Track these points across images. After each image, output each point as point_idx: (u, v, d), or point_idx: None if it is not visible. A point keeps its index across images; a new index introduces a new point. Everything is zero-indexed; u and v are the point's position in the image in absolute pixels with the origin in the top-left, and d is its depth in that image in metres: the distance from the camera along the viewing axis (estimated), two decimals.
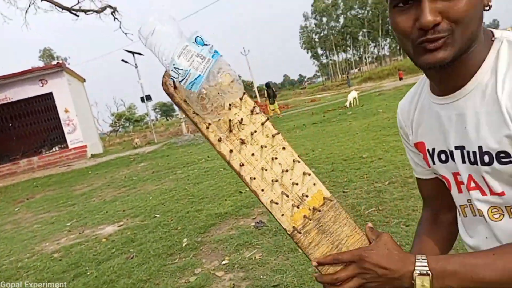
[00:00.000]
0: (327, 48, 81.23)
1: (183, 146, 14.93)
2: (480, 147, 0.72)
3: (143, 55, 21.93)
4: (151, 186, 8.07)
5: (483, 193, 0.77)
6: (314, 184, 0.77)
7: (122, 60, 20.46)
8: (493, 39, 0.73)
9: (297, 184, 0.76)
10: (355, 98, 15.49)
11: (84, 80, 23.76)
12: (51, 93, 18.41)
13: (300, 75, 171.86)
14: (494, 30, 0.75)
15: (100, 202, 7.54)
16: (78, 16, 20.57)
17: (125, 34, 21.36)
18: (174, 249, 4.07)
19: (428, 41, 0.66)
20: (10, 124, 19.94)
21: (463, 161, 0.77)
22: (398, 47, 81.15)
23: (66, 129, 18.63)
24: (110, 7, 20.81)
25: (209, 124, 0.73)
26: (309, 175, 0.76)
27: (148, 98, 20.93)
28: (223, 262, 3.54)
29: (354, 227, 0.78)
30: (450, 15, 0.64)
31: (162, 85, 0.74)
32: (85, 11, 20.03)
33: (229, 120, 0.74)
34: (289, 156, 0.76)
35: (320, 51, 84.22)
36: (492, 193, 0.75)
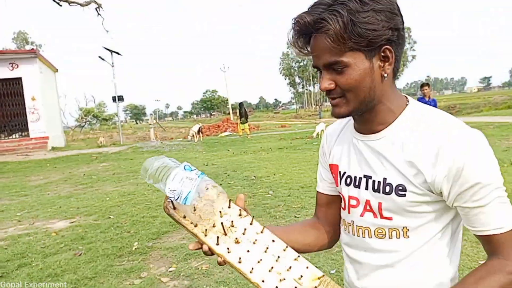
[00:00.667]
0: (305, 78, 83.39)
1: (149, 152, 14.85)
2: (384, 179, 0.89)
3: (121, 55, 21.83)
4: (110, 187, 8.03)
5: (375, 216, 0.93)
6: (307, 267, 0.86)
7: (99, 57, 20.25)
8: (407, 103, 0.93)
9: (291, 267, 0.84)
10: (323, 130, 16.02)
11: (57, 70, 23.25)
12: (20, 78, 17.91)
13: (275, 99, 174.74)
14: (409, 97, 0.95)
15: (54, 196, 7.41)
16: (61, 6, 20.31)
17: (106, 31, 21.27)
18: (123, 251, 4.14)
19: (329, 98, 0.90)
20: None
21: (366, 187, 0.93)
22: None
23: (30, 118, 18.08)
24: (96, 2, 20.70)
25: (206, 230, 0.85)
26: (299, 257, 0.87)
27: (120, 98, 20.71)
28: (170, 269, 3.66)
29: None
30: (339, 84, 0.86)
31: (164, 208, 0.90)
32: (69, 2, 19.79)
33: (222, 224, 0.85)
34: (279, 246, 0.86)
35: (297, 80, 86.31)
36: (382, 217, 0.91)
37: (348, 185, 0.99)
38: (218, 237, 0.84)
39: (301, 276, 0.83)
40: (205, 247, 0.88)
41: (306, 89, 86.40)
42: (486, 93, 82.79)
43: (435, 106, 7.74)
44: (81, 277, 3.55)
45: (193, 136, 19.00)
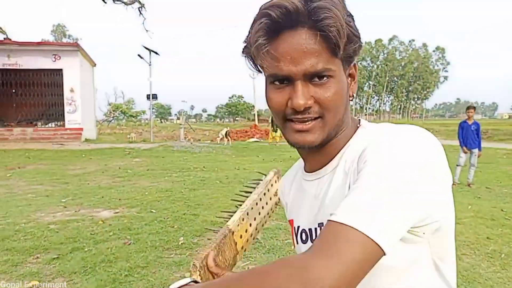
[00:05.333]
0: None
1: (179, 151, 15.12)
2: (320, 224, 0.72)
3: (159, 54, 22.36)
4: (146, 183, 8.24)
5: None
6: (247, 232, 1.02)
7: (138, 55, 20.82)
8: (358, 125, 0.76)
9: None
10: None
11: (95, 64, 24.01)
12: (61, 70, 18.60)
13: None
14: (362, 119, 0.78)
15: (95, 187, 7.68)
16: (106, 2, 21.05)
17: (146, 31, 21.89)
18: (170, 245, 4.28)
19: (297, 120, 0.67)
20: (14, 91, 20.01)
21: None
22: (398, 106, 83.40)
23: (67, 108, 18.72)
24: (139, 2, 21.37)
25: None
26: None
27: (154, 97, 21.23)
28: None
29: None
30: (320, 101, 0.65)
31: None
32: (114, 0, 20.50)
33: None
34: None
35: None
36: None
37: (304, 242, 0.78)
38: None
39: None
40: None
41: None
42: None
43: (478, 129, 7.64)
44: (133, 265, 3.69)
45: (221, 139, 19.24)
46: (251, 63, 0.71)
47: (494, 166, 10.56)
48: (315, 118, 0.67)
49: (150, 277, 3.47)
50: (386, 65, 76.87)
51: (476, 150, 7.67)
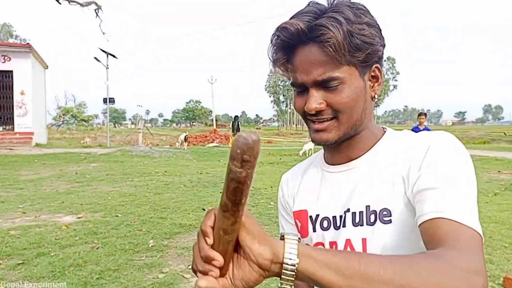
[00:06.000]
0: (289, 96, 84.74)
1: (139, 156, 14.82)
2: (367, 207, 0.75)
3: (116, 58, 21.82)
4: (107, 187, 8.06)
5: None
6: None
7: (95, 58, 20.18)
8: (385, 130, 0.85)
9: None
10: (311, 149, 16.39)
11: (47, 66, 22.99)
12: (11, 72, 17.66)
13: (257, 115, 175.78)
14: (387, 128, 0.86)
15: (53, 192, 7.40)
16: (60, 3, 20.26)
17: (103, 33, 21.30)
18: (140, 248, 4.26)
19: (314, 120, 0.77)
20: None
21: (344, 225, 0.78)
22: None
23: (16, 112, 17.78)
24: (96, 4, 20.77)
25: None
26: None
27: (112, 100, 20.64)
28: (190, 267, 3.79)
29: None
30: (332, 105, 0.74)
31: None
32: (70, 1, 19.78)
33: None
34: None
35: (282, 98, 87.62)
36: None
37: (326, 229, 0.82)
38: None
39: None
40: None
41: (290, 108, 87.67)
42: (461, 127, 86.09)
43: None
44: (104, 268, 3.65)
45: (181, 143, 19.06)
46: (281, 70, 0.81)
47: None
48: (331, 119, 0.75)
49: (122, 279, 3.46)
50: None
51: None
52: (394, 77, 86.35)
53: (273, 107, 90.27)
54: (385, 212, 0.73)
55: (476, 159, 13.88)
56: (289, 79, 0.80)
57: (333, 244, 0.80)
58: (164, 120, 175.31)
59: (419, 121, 8.19)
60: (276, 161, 14.05)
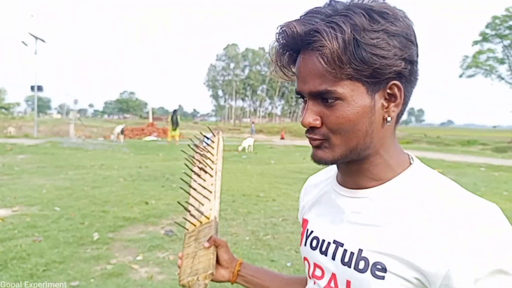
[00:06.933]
0: (228, 92, 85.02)
1: (71, 148, 14.17)
2: (360, 250, 0.68)
3: (45, 42, 20.42)
4: (41, 180, 7.71)
5: None
6: (210, 209, 1.00)
7: (23, 42, 18.74)
8: (411, 162, 0.72)
9: (203, 204, 1.03)
10: (250, 145, 16.81)
11: None
12: None
13: (194, 109, 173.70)
14: (413, 156, 0.74)
15: None
16: None
17: (31, 16, 19.87)
18: (85, 241, 4.26)
19: (308, 136, 0.69)
20: None
21: (334, 257, 0.73)
22: (289, 110, 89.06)
23: None
24: None
25: (197, 163, 1.13)
26: (209, 201, 1.02)
27: (40, 88, 19.32)
28: (137, 258, 3.91)
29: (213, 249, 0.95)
30: (327, 122, 0.65)
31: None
32: None
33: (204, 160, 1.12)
34: (210, 189, 1.04)
35: (220, 93, 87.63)
36: None
37: (313, 249, 0.79)
38: (198, 169, 1.12)
39: (203, 212, 1.00)
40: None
41: (228, 104, 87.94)
42: None
43: None
44: (49, 260, 3.64)
45: (117, 136, 18.46)
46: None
47: None
48: (322, 139, 0.67)
49: (69, 271, 3.48)
50: None
51: None
52: None
53: (212, 101, 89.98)
54: (379, 266, 0.65)
55: None
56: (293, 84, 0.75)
57: (320, 268, 0.77)
58: (95, 111, 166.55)
59: None
60: None
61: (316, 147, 0.69)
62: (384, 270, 0.64)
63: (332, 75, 0.62)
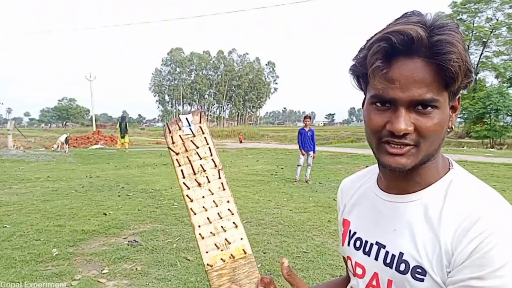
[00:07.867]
0: (175, 97, 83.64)
1: (11, 161, 13.24)
2: (401, 254, 0.71)
3: None
4: None
5: None
6: (241, 239, 0.82)
7: None
8: (450, 167, 0.76)
9: (226, 230, 0.82)
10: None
11: None
12: None
13: (139, 115, 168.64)
14: (452, 160, 0.78)
15: None
16: None
17: None
18: (43, 258, 4.03)
19: (393, 143, 0.67)
20: None
21: (376, 258, 0.77)
22: (236, 113, 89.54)
23: None
24: None
25: (182, 164, 0.85)
26: (239, 227, 0.82)
27: None
28: (104, 271, 3.77)
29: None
30: (420, 130, 0.66)
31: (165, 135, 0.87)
32: None
33: (199, 164, 0.85)
34: (229, 207, 0.83)
35: (167, 98, 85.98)
36: None
37: (357, 249, 0.83)
38: (187, 173, 0.85)
39: (231, 242, 0.82)
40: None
41: (175, 108, 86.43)
42: (331, 128, 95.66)
43: (313, 135, 9.20)
44: (7, 281, 3.41)
45: (60, 146, 17.51)
46: (356, 81, 0.75)
47: (321, 165, 12.67)
48: (411, 145, 0.68)
49: None
50: (226, 75, 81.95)
51: (311, 153, 9.24)
52: (274, 80, 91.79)
53: (158, 107, 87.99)
54: (418, 270, 0.68)
55: (348, 156, 15.85)
56: (361, 89, 0.75)
57: (361, 267, 0.81)
58: (31, 119, 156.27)
59: (305, 123, 9.12)
60: (169, 162, 13.96)
61: (401, 154, 0.68)
62: (423, 273, 0.68)
63: (444, 85, 0.65)
